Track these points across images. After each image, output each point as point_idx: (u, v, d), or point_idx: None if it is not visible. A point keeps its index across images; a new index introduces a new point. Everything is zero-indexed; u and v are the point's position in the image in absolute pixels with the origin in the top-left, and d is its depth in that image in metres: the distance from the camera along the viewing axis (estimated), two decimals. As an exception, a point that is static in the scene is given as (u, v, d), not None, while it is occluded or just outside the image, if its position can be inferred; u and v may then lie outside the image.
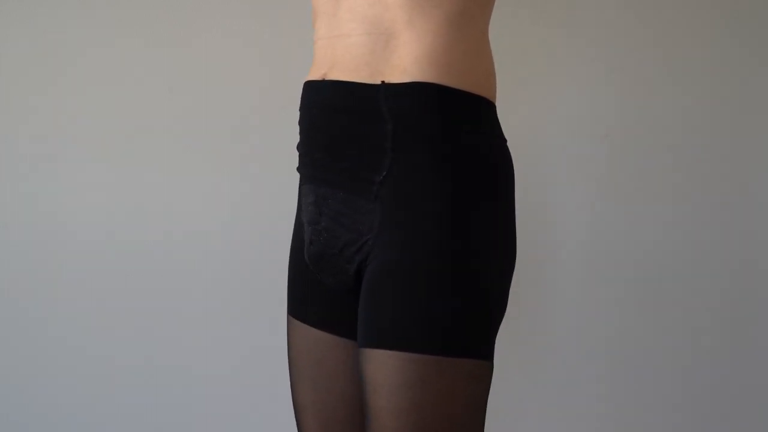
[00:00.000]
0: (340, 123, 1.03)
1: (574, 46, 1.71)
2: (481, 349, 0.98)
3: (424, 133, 0.99)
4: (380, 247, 0.99)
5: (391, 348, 0.95)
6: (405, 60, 0.99)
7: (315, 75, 1.07)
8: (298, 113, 1.15)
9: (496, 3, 1.08)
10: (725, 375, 1.77)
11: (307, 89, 1.10)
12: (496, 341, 1.01)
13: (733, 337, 1.77)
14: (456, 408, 0.96)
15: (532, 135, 1.70)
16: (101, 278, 1.68)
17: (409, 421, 0.95)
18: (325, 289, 1.11)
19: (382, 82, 1.00)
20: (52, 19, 1.65)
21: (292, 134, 1.17)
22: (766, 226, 1.75)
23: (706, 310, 1.76)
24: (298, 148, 1.13)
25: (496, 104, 1.05)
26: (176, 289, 1.69)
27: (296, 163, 1.14)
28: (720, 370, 1.77)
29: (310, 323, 1.13)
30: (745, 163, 1.74)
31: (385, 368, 0.96)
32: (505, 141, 1.05)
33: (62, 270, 1.68)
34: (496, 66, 1.07)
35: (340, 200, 1.03)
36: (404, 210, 0.98)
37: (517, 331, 1.72)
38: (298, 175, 1.15)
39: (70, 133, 1.67)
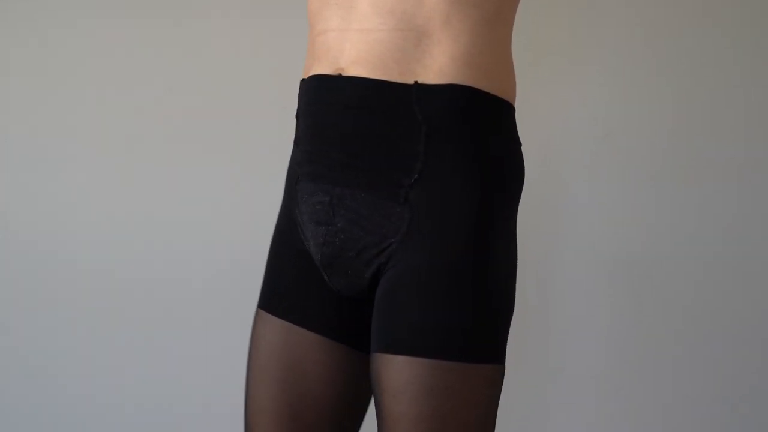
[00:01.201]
0: (365, 122, 0.98)
1: (575, 46, 1.71)
2: (498, 354, 0.98)
3: (458, 138, 0.97)
4: (405, 251, 0.97)
5: (414, 354, 0.94)
6: (440, 60, 0.97)
7: (325, 69, 1.01)
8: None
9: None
10: (735, 375, 1.76)
11: (316, 84, 1.03)
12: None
13: (746, 336, 1.76)
14: (475, 413, 0.96)
15: (532, 135, 1.70)
16: (102, 278, 1.68)
17: (431, 428, 0.94)
18: (319, 288, 1.07)
19: (415, 82, 0.96)
20: (52, 19, 1.65)
21: (292, 133, 1.16)
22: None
23: (711, 307, 1.76)
24: (298, 144, 1.07)
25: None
26: (177, 289, 1.69)
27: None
28: (733, 369, 1.76)
29: (292, 320, 1.07)
30: (746, 162, 1.74)
31: (407, 374, 0.94)
32: (521, 145, 1.04)
33: (62, 270, 1.68)
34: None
35: (359, 201, 0.99)
36: (434, 215, 0.96)
37: (523, 331, 1.72)
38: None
39: (70, 133, 1.67)
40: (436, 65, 0.96)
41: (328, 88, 1.01)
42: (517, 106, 1.03)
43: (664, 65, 1.72)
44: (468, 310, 0.95)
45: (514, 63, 1.06)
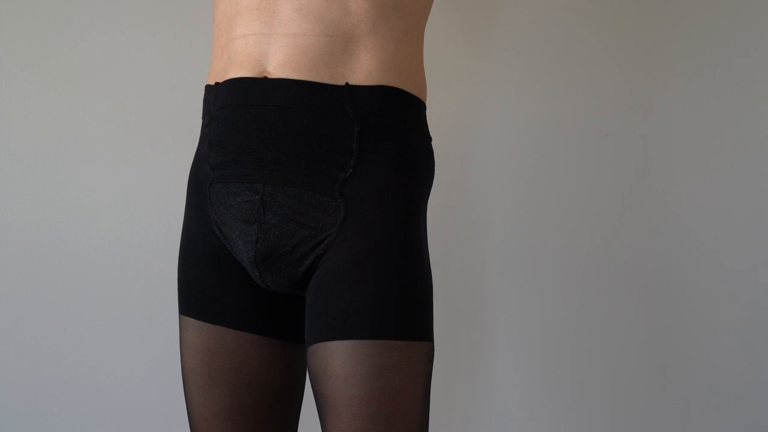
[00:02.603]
0: (298, 121, 1.03)
1: (553, 45, 1.70)
2: (431, 332, 1.06)
3: (387, 134, 1.05)
4: (343, 241, 1.03)
5: (361, 337, 0.99)
6: (368, 64, 1.04)
7: (247, 72, 1.06)
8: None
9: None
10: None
11: (238, 86, 1.07)
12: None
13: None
14: (418, 388, 1.02)
15: (528, 133, 1.70)
16: (103, 278, 1.68)
17: (381, 405, 0.99)
18: (243, 288, 1.11)
19: (347, 83, 1.03)
20: (53, 18, 1.65)
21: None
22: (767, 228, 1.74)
23: (708, 316, 1.75)
24: (212, 147, 1.10)
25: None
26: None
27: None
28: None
29: (225, 324, 1.11)
30: (743, 162, 1.73)
31: (356, 357, 0.99)
32: (431, 140, 1.13)
33: (63, 270, 1.68)
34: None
35: (293, 197, 1.04)
36: (367, 206, 1.03)
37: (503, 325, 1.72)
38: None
39: (71, 133, 1.67)
40: (365, 69, 1.04)
41: (255, 89, 1.05)
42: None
43: (658, 65, 1.71)
44: (404, 290, 1.03)
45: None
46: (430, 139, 1.13)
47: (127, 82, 1.66)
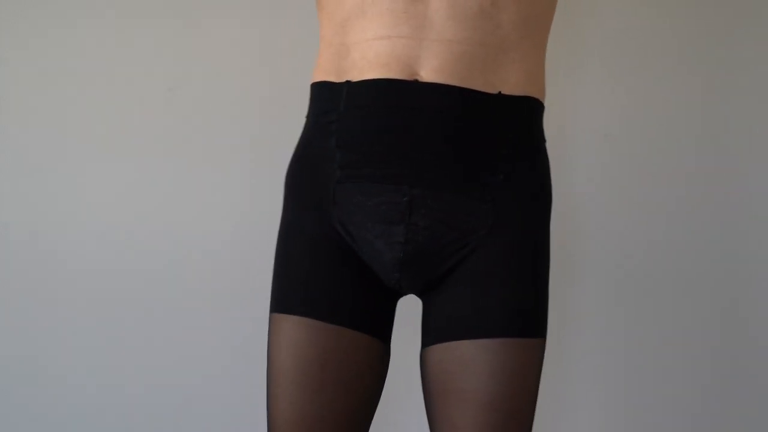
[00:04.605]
0: (452, 126, 1.05)
1: (573, 46, 1.71)
2: None
3: (532, 142, 1.11)
4: (490, 244, 1.07)
5: (513, 335, 1.05)
6: (515, 74, 1.08)
7: (394, 74, 1.06)
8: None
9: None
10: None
11: (387, 87, 1.07)
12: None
13: (745, 341, 1.76)
14: (538, 380, 1.10)
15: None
16: (102, 278, 1.68)
17: (522, 401, 1.06)
18: (357, 286, 1.10)
19: (500, 92, 1.07)
20: (52, 18, 1.65)
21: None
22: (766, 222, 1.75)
23: (710, 306, 1.76)
24: (343, 145, 1.09)
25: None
26: (176, 289, 1.69)
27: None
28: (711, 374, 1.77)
29: (344, 324, 1.09)
30: (743, 161, 1.74)
31: (510, 353, 1.05)
32: None
33: (63, 269, 1.68)
34: None
35: (445, 201, 1.06)
36: (515, 211, 1.08)
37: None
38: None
39: (70, 133, 1.67)
40: (514, 78, 1.08)
41: (407, 92, 1.07)
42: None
43: (666, 67, 1.72)
44: (541, 290, 1.10)
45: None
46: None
47: (126, 83, 1.66)
